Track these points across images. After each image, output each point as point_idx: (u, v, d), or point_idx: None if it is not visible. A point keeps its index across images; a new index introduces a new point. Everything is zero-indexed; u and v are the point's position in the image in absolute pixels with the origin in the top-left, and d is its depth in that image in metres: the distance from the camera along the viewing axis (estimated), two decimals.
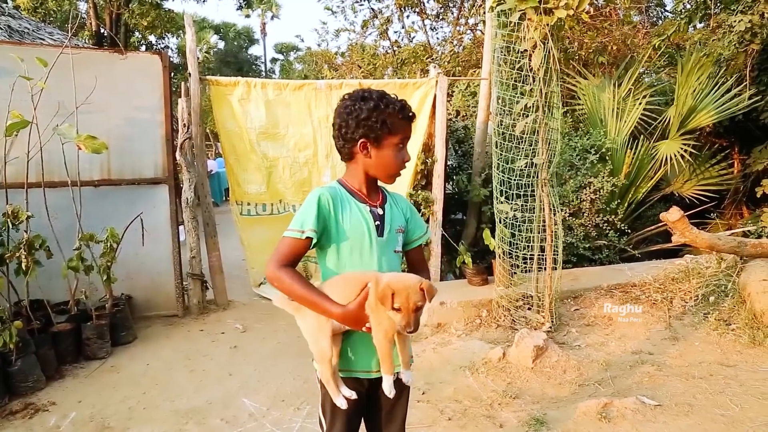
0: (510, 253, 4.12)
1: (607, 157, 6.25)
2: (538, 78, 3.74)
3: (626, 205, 6.63)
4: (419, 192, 4.85)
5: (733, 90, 6.59)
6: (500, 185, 4.09)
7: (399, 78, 8.37)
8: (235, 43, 29.35)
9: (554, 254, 4.07)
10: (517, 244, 4.09)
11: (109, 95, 4.25)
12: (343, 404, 1.63)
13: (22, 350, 3.20)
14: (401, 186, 4.84)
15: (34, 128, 3.72)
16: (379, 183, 1.77)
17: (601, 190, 5.90)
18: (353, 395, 1.64)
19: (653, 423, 2.75)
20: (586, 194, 5.84)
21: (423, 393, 3.29)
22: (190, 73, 4.54)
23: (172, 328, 4.25)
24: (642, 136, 6.86)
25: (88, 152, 3.50)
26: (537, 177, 3.92)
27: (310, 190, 4.87)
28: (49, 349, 3.42)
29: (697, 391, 3.06)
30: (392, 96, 1.69)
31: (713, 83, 6.66)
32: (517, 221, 4.07)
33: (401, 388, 1.70)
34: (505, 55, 3.91)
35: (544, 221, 4.03)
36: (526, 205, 4.06)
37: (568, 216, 5.72)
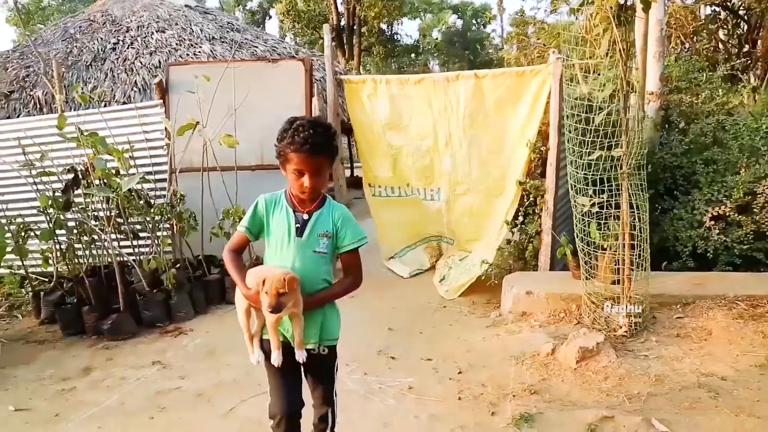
0: (589, 252, 3.98)
1: None
2: (612, 64, 3.53)
3: None
4: (528, 180, 4.89)
5: None
6: (575, 181, 3.96)
7: None
8: (473, 22, 29.86)
9: (641, 254, 3.81)
10: (598, 242, 3.93)
11: (264, 96, 5.34)
12: (254, 360, 2.10)
13: (178, 290, 4.52)
14: (514, 173, 4.96)
15: (210, 126, 5.04)
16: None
17: None
18: (261, 357, 2.09)
19: None
20: (764, 185, 5.00)
21: (459, 372, 3.57)
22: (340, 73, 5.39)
23: None
24: None
25: (227, 146, 4.61)
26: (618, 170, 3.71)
27: (432, 175, 5.40)
28: (200, 292, 4.70)
29: (733, 429, 2.72)
30: (305, 127, 1.94)
31: None
32: (601, 216, 3.90)
33: (314, 360, 2.09)
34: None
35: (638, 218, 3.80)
36: (611, 200, 3.86)
37: (731, 211, 4.99)
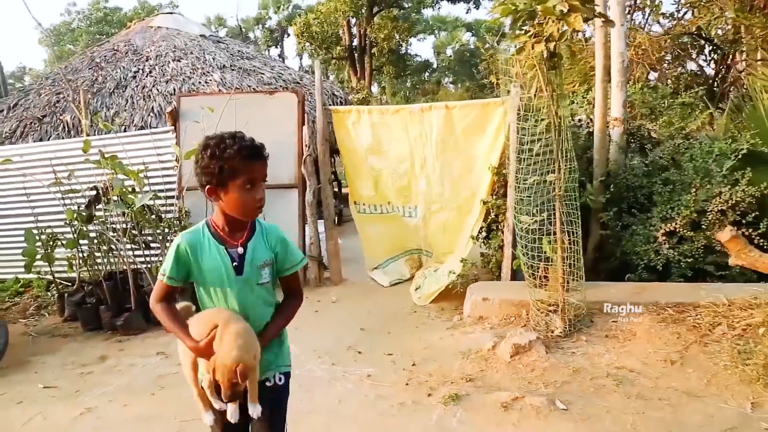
0: (531, 265, 4.65)
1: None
2: (545, 102, 4.22)
3: None
4: (491, 200, 5.57)
5: None
6: (516, 202, 4.64)
7: None
8: (486, 38, 30.63)
9: (574, 266, 4.48)
10: (539, 255, 4.60)
11: (263, 124, 6.13)
12: (209, 421, 2.00)
13: (182, 294, 5.29)
14: (480, 193, 5.65)
15: None
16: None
17: (741, 202, 5.54)
18: (223, 407, 1.92)
19: (539, 421, 3.27)
20: (715, 204, 5.58)
21: (413, 365, 4.25)
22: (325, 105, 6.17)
23: None
24: None
25: None
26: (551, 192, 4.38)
27: (409, 194, 6.12)
28: None
29: (624, 410, 3.35)
30: (236, 138, 1.85)
31: None
32: (536, 233, 4.58)
33: (268, 394, 1.99)
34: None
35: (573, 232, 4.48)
36: (551, 218, 4.53)
37: (682, 228, 5.58)
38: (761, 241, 5.38)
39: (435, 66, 29.04)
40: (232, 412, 1.90)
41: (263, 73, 9.44)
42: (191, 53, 9.50)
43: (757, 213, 5.54)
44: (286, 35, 28.56)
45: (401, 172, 6.08)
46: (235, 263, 1.93)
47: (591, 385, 3.69)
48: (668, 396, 3.48)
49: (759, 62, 7.88)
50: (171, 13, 11.42)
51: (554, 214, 4.42)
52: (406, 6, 18.96)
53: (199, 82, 8.58)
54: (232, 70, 9.19)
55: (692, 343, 4.13)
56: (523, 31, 4.19)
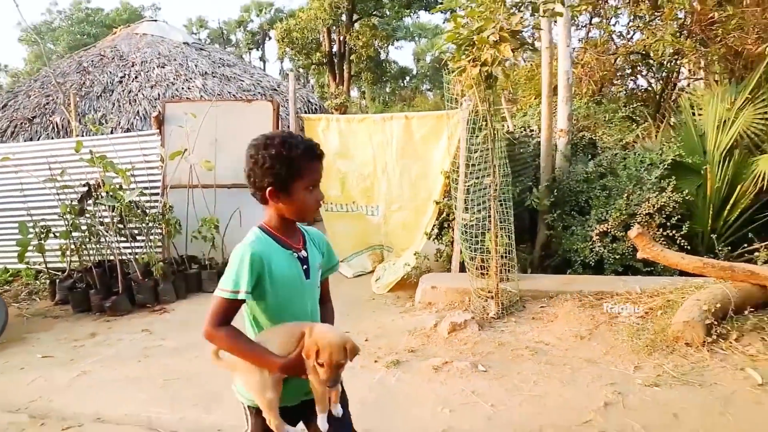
0: (472, 258, 5.46)
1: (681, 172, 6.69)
2: (481, 118, 5.05)
3: (722, 222, 6.85)
4: (443, 201, 6.38)
5: None
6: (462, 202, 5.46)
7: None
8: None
9: (508, 257, 5.31)
10: (480, 248, 5.42)
11: (241, 129, 6.86)
12: None
13: (165, 279, 6.04)
14: (435, 195, 6.45)
15: (196, 153, 6.60)
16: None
17: (666, 207, 6.41)
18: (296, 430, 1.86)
19: (461, 379, 4.06)
20: (644, 208, 6.42)
21: (366, 340, 5.01)
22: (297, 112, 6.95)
23: None
24: (738, 149, 6.91)
25: (206, 170, 6.17)
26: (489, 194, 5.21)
27: (372, 195, 6.90)
28: (182, 282, 6.22)
29: (533, 371, 4.15)
30: (297, 137, 1.81)
31: None
32: (478, 228, 5.40)
33: (334, 419, 1.90)
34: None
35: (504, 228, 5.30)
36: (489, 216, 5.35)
37: (613, 229, 6.42)
38: (683, 241, 6.28)
39: (415, 72, 30.09)
40: (323, 423, 1.85)
41: (243, 80, 10.19)
42: (175, 60, 10.22)
43: (680, 216, 6.43)
44: (267, 38, 29.33)
45: (365, 174, 6.86)
46: (304, 267, 1.88)
47: (511, 354, 4.50)
48: (571, 362, 4.29)
49: (692, 81, 8.84)
50: (155, 20, 12.12)
51: (490, 212, 5.24)
52: (386, 14, 19.92)
53: (182, 88, 9.30)
54: (214, 77, 9.93)
55: (602, 323, 4.96)
56: (464, 56, 5.00)
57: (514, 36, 4.73)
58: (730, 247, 6.32)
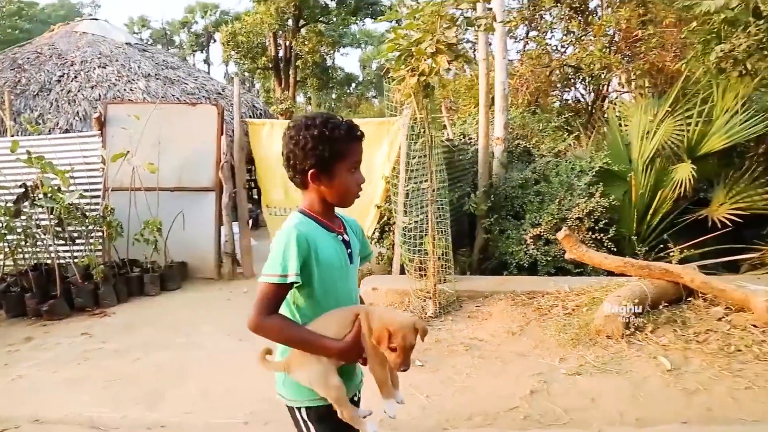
0: (411, 260, 5.73)
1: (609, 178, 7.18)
2: (419, 125, 5.34)
3: (646, 226, 7.37)
4: (384, 205, 6.63)
5: None
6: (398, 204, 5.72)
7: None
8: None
9: (446, 259, 5.60)
10: (419, 251, 5.69)
11: (185, 132, 6.95)
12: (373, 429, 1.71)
13: (105, 283, 6.02)
14: (377, 199, 6.69)
15: (139, 155, 6.61)
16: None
17: (595, 211, 6.85)
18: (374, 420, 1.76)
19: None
20: (574, 212, 6.84)
21: None
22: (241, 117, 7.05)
23: (205, 286, 6.83)
24: (659, 158, 7.48)
25: (149, 172, 6.20)
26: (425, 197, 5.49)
27: None
28: (123, 285, 6.21)
29: (467, 365, 4.43)
30: (337, 118, 1.75)
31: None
32: (417, 230, 5.68)
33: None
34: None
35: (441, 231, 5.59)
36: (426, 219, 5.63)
37: (546, 232, 6.82)
38: (610, 244, 6.73)
39: (361, 79, 30.42)
40: (391, 408, 1.77)
41: (187, 83, 10.17)
42: (116, 60, 10.09)
43: (607, 220, 6.90)
44: (212, 41, 29.03)
45: None
46: (348, 251, 1.83)
47: (446, 350, 4.77)
48: (502, 356, 4.59)
49: (621, 93, 9.46)
50: (96, 19, 11.88)
51: (428, 216, 5.51)
52: (333, 21, 20.15)
53: (125, 90, 9.22)
54: (157, 79, 9.87)
55: (533, 320, 5.31)
56: (403, 66, 5.27)
57: (451, 48, 5.03)
58: (655, 250, 6.81)
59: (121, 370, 4.56)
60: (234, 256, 7.13)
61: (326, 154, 1.69)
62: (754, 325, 4.84)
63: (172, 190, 6.90)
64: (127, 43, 11.02)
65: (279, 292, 1.65)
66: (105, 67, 9.78)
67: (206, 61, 32.01)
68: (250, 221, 8.95)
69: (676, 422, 3.61)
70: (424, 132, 5.36)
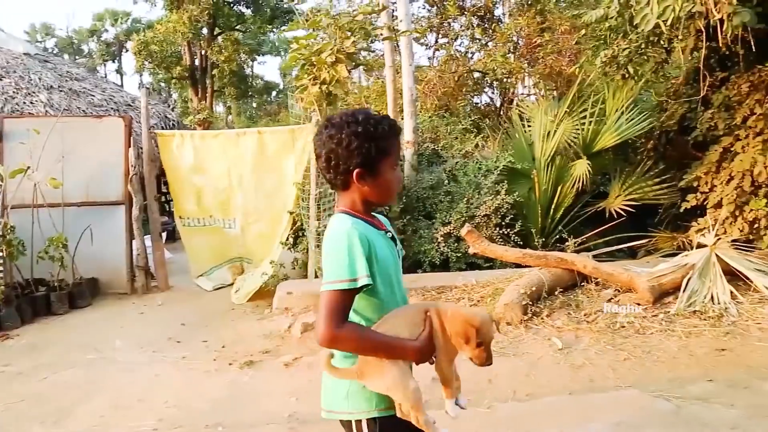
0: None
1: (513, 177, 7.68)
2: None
3: (550, 219, 7.91)
4: (296, 211, 6.83)
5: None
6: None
7: None
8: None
9: None
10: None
11: (91, 145, 6.88)
12: None
13: (8, 304, 5.90)
14: (289, 206, 6.87)
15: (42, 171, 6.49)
16: None
17: (501, 208, 7.30)
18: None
19: (309, 371, 4.46)
20: (482, 210, 7.25)
21: (223, 347, 5.27)
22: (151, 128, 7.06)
23: (118, 301, 6.79)
24: (560, 156, 8.07)
25: (52, 187, 6.13)
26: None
27: (229, 208, 7.17)
28: (28, 306, 6.10)
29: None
30: (377, 114, 1.74)
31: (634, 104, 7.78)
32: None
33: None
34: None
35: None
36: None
37: (456, 230, 7.19)
38: (517, 238, 7.20)
39: (281, 87, 30.45)
40: (452, 408, 1.75)
41: (94, 95, 9.97)
42: (15, 72, 9.74)
43: (514, 216, 7.38)
44: (124, 50, 28.19)
45: (221, 188, 7.13)
46: (397, 247, 1.81)
47: None
48: None
49: (526, 96, 10.08)
50: None
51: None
52: (250, 29, 20.10)
53: (24, 103, 8.94)
54: (60, 91, 9.62)
55: None
56: (306, 75, 5.51)
57: (350, 57, 5.32)
58: (560, 241, 7.30)
59: (26, 392, 4.51)
60: (147, 269, 7.11)
61: (372, 152, 1.65)
62: (638, 304, 5.40)
63: (78, 205, 6.81)
64: (25, 54, 10.66)
65: (348, 298, 1.58)
66: (1, 79, 9.44)
67: (119, 71, 31.03)
68: (165, 234, 8.92)
69: (563, 394, 4.02)
70: None
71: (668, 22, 4.95)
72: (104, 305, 6.70)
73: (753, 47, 5.79)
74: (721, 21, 5.26)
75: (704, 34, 5.86)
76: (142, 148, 7.13)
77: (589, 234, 7.45)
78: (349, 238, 1.59)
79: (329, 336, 1.54)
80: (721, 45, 6.11)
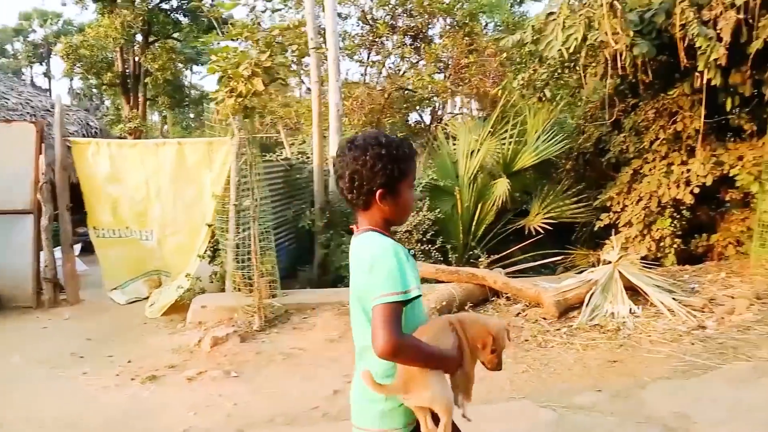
0: (242, 275, 5.98)
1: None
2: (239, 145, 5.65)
3: (471, 236, 8.16)
4: (215, 223, 6.81)
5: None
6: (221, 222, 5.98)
7: None
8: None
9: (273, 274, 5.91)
10: (248, 266, 5.95)
11: (1, 151, 6.67)
12: None
13: None
14: (208, 218, 6.83)
15: None
16: None
17: (422, 224, 7.49)
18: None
19: (214, 384, 4.49)
20: (404, 226, 7.40)
21: (129, 362, 5.15)
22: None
23: (21, 315, 6.53)
24: (482, 174, 8.38)
25: None
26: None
27: (146, 219, 7.04)
28: None
29: (281, 372, 4.74)
30: (395, 137, 1.84)
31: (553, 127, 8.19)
32: (244, 247, 5.94)
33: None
34: None
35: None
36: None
37: None
38: (437, 254, 7.41)
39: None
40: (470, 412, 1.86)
41: (8, 99, 9.62)
42: None
43: (434, 232, 7.59)
44: (53, 52, 27.25)
45: (138, 199, 7.01)
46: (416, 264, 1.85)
47: (265, 360, 5.04)
48: (317, 362, 4.96)
49: (454, 115, 10.40)
50: None
51: (251, 232, 5.79)
52: (187, 38, 19.87)
53: None
54: None
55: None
56: (223, 87, 5.55)
57: (266, 71, 5.40)
58: (481, 258, 7.51)
59: None
60: (56, 282, 6.89)
61: (395, 173, 1.73)
62: (544, 318, 5.65)
63: None
64: None
65: (401, 310, 1.64)
66: None
67: (46, 75, 29.91)
68: (80, 245, 8.67)
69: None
70: (246, 151, 5.66)
71: (570, 49, 5.28)
72: (4, 320, 6.45)
73: (652, 76, 6.23)
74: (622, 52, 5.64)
75: (611, 62, 6.25)
76: (54, 155, 6.94)
77: (508, 251, 7.73)
78: (395, 253, 1.67)
79: (396, 345, 1.57)
80: (628, 73, 6.55)
